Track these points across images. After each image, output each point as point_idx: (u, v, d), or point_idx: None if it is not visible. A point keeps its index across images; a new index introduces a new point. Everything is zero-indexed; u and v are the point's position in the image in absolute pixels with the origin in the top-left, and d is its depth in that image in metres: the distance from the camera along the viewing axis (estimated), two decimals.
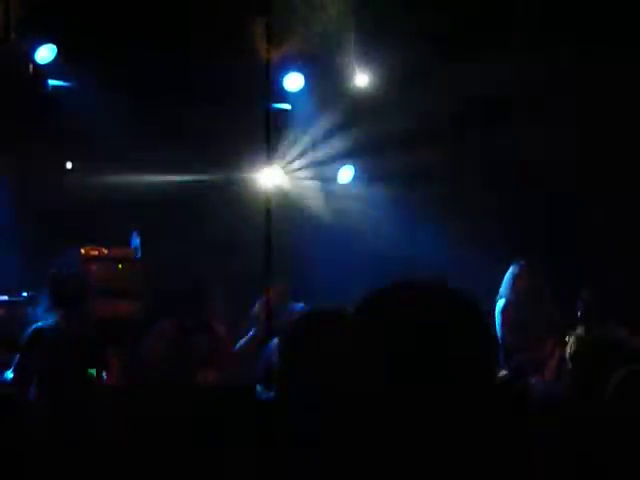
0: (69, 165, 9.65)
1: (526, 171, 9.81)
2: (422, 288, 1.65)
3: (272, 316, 7.92)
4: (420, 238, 9.85)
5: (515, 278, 8.34)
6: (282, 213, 10.18)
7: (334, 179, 10.58)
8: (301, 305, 8.34)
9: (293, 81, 9.98)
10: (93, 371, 6.68)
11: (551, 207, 9.93)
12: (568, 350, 4.72)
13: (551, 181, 9.81)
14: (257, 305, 8.27)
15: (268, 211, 9.22)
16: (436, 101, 9.57)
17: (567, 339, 4.78)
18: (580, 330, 4.74)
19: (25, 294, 8.33)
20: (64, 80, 8.92)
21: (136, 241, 8.87)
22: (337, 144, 10.37)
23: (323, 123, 10.19)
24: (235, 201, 9.96)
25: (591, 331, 4.70)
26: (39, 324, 6.91)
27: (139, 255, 8.84)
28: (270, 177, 10.23)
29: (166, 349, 7.67)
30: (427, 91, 9.54)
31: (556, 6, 9.16)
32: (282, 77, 9.94)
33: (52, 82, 8.82)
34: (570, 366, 4.67)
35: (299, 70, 9.94)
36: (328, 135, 10.31)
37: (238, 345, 8.12)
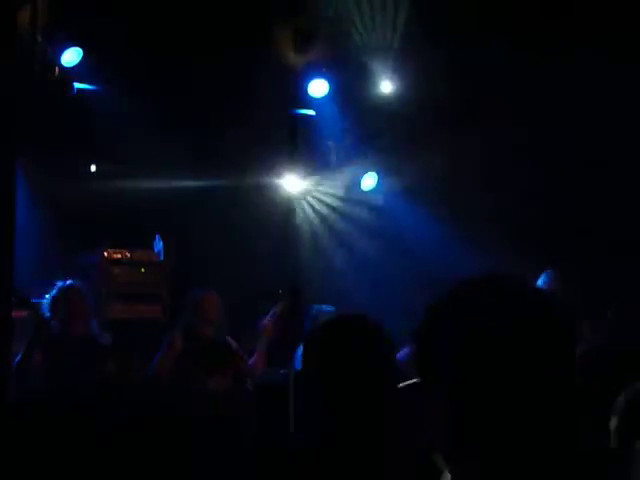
0: (93, 168, 9.68)
1: (558, 178, 9.69)
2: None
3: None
4: (443, 244, 9.79)
5: (545, 287, 8.20)
6: (304, 219, 10.19)
7: (357, 186, 10.52)
8: (325, 307, 8.29)
9: (318, 87, 9.93)
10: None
11: (585, 216, 9.70)
12: None
13: (582, 188, 9.67)
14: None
15: (290, 216, 9.22)
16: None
17: None
18: None
19: (48, 296, 8.35)
20: (90, 83, 8.94)
21: (159, 244, 8.89)
22: (361, 151, 10.34)
23: (347, 129, 10.16)
24: (258, 207, 9.95)
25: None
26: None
27: (162, 258, 8.85)
28: (293, 183, 10.22)
29: (176, 362, 7.35)
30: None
31: None
32: (307, 83, 9.91)
33: (78, 85, 8.84)
34: None
35: (324, 76, 9.89)
36: (352, 141, 10.28)
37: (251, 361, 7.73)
